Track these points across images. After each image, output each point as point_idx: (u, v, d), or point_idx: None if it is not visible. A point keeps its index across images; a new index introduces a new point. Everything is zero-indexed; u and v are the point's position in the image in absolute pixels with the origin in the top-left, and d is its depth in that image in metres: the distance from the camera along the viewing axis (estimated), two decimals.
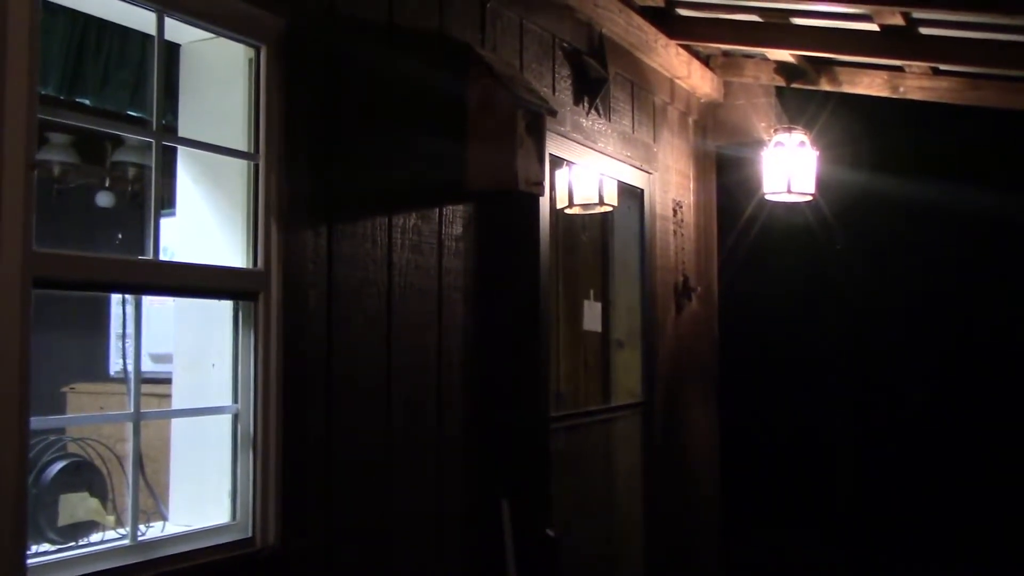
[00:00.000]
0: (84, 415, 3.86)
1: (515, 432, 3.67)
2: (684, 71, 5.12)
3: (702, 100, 5.54)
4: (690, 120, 5.46)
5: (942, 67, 4.80)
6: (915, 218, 5.21)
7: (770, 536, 5.57)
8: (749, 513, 5.63)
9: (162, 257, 2.57)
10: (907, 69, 4.91)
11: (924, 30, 4.40)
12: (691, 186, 5.44)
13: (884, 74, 5.04)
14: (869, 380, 5.46)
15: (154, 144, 2.49)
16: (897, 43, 4.53)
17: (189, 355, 2.75)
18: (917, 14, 4.19)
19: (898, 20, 4.24)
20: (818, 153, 5.07)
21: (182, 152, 2.77)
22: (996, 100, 4.81)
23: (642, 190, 4.79)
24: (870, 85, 5.09)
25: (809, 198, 5.15)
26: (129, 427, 2.45)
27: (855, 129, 5.23)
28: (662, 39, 4.81)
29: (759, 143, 5.29)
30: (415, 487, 3.19)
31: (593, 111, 4.31)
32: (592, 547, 4.44)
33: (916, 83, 4.95)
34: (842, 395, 5.49)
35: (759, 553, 5.57)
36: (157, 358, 3.39)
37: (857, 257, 5.38)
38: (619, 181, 4.57)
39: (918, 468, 5.30)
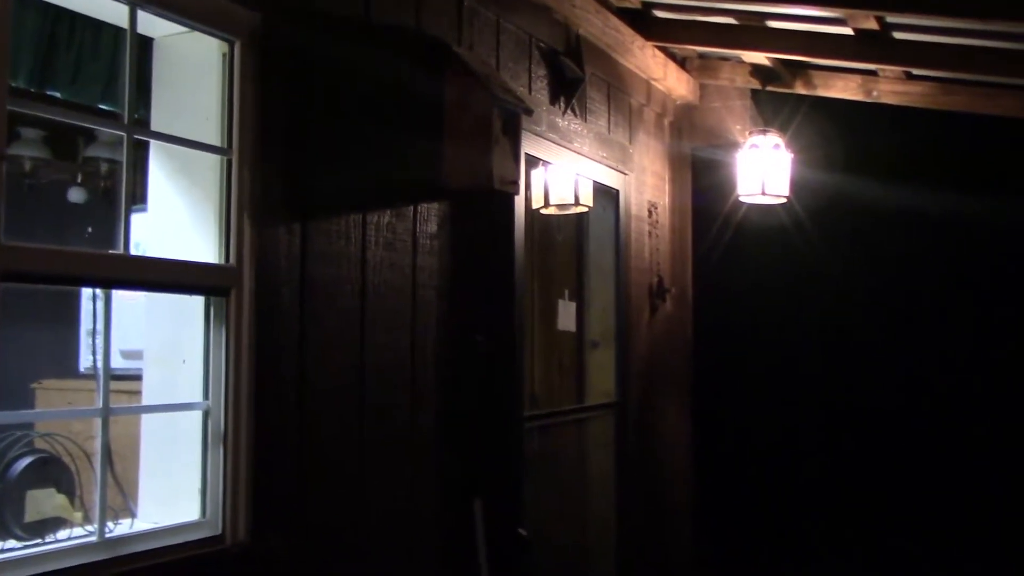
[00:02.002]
0: (52, 410, 3.82)
1: (489, 431, 3.66)
2: (660, 73, 5.14)
3: (678, 102, 5.56)
4: (666, 122, 5.48)
5: (915, 72, 4.84)
6: (889, 220, 5.23)
7: (742, 538, 5.59)
8: (721, 514, 5.64)
9: (133, 252, 2.55)
10: (881, 73, 4.95)
11: (898, 35, 4.43)
12: (666, 188, 5.46)
13: (858, 78, 5.08)
14: (845, 382, 5.48)
15: (125, 137, 2.47)
16: (871, 47, 4.56)
17: (160, 351, 2.73)
18: (891, 18, 4.22)
19: (872, 24, 4.27)
20: (792, 155, 5.10)
21: (155, 147, 2.75)
22: (969, 105, 4.85)
23: (617, 191, 4.80)
24: (844, 89, 5.13)
25: (783, 200, 5.17)
26: (98, 423, 2.42)
27: (829, 132, 5.26)
28: (638, 40, 4.83)
29: (734, 145, 5.32)
30: (388, 485, 3.18)
31: (569, 111, 4.31)
32: (564, 546, 4.45)
33: (890, 87, 4.99)
34: (818, 397, 5.51)
35: (731, 554, 5.59)
36: (128, 354, 3.36)
37: (832, 259, 5.40)
38: (595, 182, 4.58)
39: (894, 471, 5.33)
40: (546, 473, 4.23)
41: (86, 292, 4.35)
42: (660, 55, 5.11)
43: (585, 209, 4.61)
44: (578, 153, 4.38)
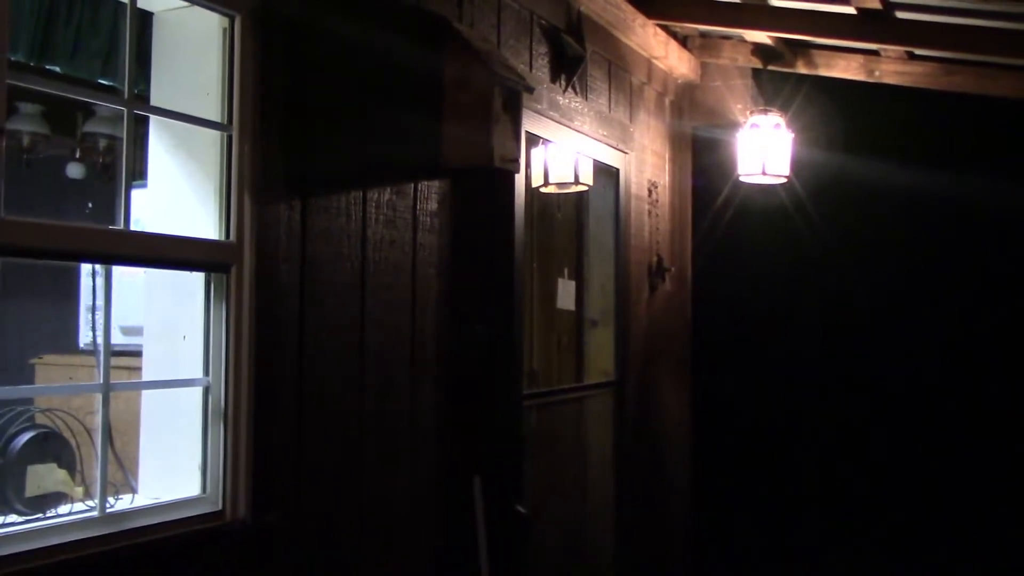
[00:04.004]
0: (52, 385, 3.83)
1: (488, 409, 3.67)
2: (662, 51, 5.12)
3: (679, 81, 5.54)
4: (667, 101, 5.46)
5: (917, 52, 4.82)
6: (890, 200, 5.23)
7: (742, 514, 5.61)
8: (721, 491, 5.66)
9: (133, 228, 2.54)
10: (883, 53, 4.92)
11: (900, 14, 4.41)
12: (667, 167, 5.44)
13: (860, 58, 5.05)
14: (844, 361, 5.49)
15: (125, 112, 2.46)
16: (873, 27, 4.54)
17: (160, 327, 2.73)
18: None
19: (874, 4, 4.25)
20: (793, 135, 5.09)
21: (155, 123, 2.74)
22: (971, 86, 4.83)
23: (618, 170, 4.79)
24: (846, 68, 5.11)
25: (784, 180, 5.16)
26: (98, 399, 2.43)
27: (830, 112, 5.24)
28: (640, 18, 4.80)
29: (735, 125, 5.30)
30: (387, 462, 3.19)
31: (570, 89, 4.29)
32: (563, 523, 4.46)
33: (891, 67, 4.97)
34: (817, 377, 5.51)
35: (731, 531, 5.61)
36: (128, 331, 3.36)
37: (832, 239, 5.40)
38: (595, 160, 4.57)
39: (893, 447, 5.35)
40: (545, 451, 4.24)
41: (86, 268, 4.35)
42: (661, 33, 5.08)
43: (585, 188, 4.60)
44: (578, 131, 4.37)
